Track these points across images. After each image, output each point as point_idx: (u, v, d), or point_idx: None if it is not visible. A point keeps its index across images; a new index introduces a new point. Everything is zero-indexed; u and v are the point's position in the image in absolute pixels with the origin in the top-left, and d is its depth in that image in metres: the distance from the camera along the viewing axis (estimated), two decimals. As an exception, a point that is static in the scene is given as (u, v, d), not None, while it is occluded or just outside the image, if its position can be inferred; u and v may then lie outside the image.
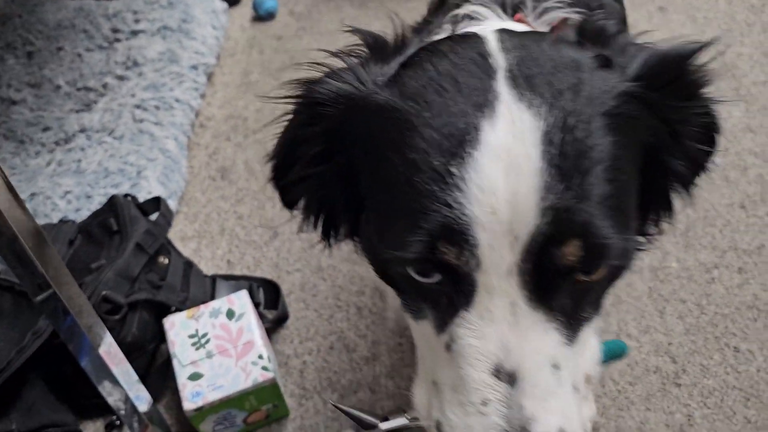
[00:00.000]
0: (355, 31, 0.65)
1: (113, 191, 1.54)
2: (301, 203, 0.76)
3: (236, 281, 1.44)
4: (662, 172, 0.62)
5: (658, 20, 2.19)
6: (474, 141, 0.50)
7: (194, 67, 2.00)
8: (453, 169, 0.50)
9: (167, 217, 1.34)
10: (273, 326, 1.46)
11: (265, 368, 1.22)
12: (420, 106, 0.54)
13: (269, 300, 1.45)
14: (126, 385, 1.20)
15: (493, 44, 0.57)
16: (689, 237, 1.54)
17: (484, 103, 0.51)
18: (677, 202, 0.69)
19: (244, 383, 1.21)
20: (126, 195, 1.37)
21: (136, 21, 2.15)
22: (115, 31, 2.16)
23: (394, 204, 0.56)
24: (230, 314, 1.30)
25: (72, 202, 1.57)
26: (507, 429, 0.51)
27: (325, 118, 0.63)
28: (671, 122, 0.59)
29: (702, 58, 0.60)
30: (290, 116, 0.67)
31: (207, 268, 1.60)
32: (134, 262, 1.25)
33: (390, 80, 0.60)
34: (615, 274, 0.59)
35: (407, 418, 0.67)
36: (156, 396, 1.36)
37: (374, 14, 2.33)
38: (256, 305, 1.39)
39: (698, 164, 0.65)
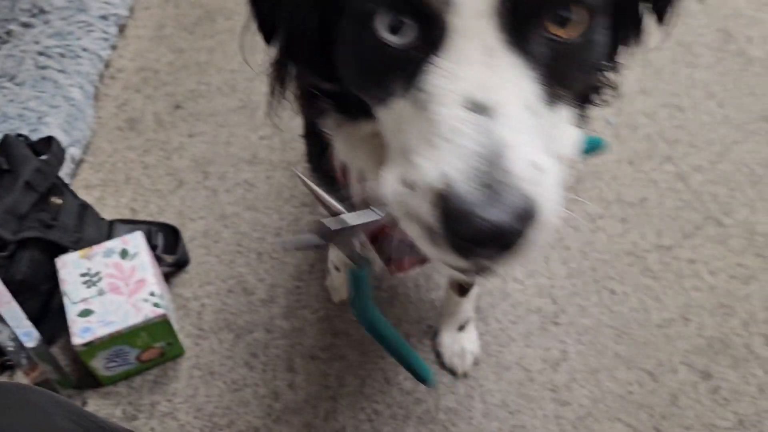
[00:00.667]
0: None
1: (12, 136, 1.52)
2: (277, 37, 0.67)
3: (135, 225, 1.45)
4: None
5: None
6: None
7: (104, 18, 1.96)
8: None
9: (58, 157, 1.33)
10: (173, 270, 1.47)
11: (156, 305, 1.24)
12: None
13: (169, 245, 1.47)
14: (13, 323, 1.21)
15: None
16: (578, 190, 1.62)
17: None
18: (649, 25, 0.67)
19: (134, 318, 1.23)
20: (18, 135, 1.35)
21: (45, -31, 2.09)
22: (22, -22, 2.09)
23: None
24: (124, 254, 1.31)
25: (-33, 146, 1.54)
26: (481, 152, 0.48)
27: None
28: None
29: None
30: None
31: (110, 215, 1.59)
32: (23, 200, 1.25)
33: None
34: (589, 44, 0.57)
35: (375, 211, 0.61)
36: (52, 338, 1.37)
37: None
38: (154, 248, 1.41)
39: None
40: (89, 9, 1.95)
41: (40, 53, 1.79)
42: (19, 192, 1.25)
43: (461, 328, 1.32)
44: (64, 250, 1.33)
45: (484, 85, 0.51)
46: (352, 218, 0.61)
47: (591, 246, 1.53)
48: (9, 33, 1.88)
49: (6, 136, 1.32)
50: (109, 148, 1.76)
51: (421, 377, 0.79)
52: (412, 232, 0.54)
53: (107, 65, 1.97)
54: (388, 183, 0.56)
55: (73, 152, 1.65)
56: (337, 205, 0.62)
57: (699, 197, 1.61)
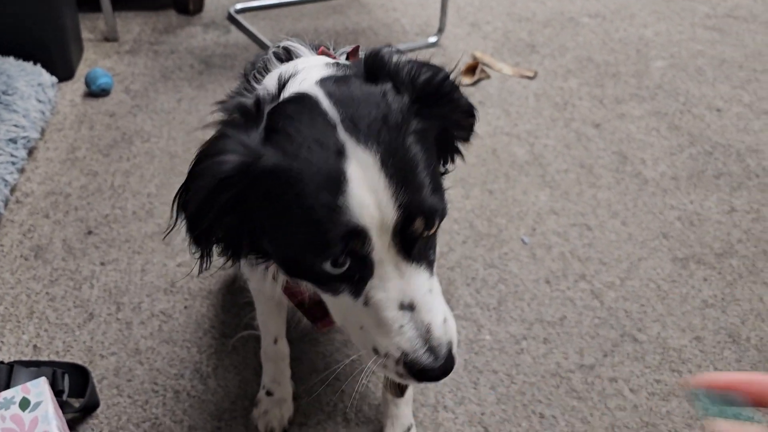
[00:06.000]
0: (222, 102, 0.87)
1: None
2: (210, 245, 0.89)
3: (38, 368, 1.33)
4: (451, 137, 0.95)
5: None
6: (343, 179, 0.75)
7: (12, 141, 1.89)
8: (339, 200, 0.75)
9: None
10: (81, 415, 1.35)
11: (60, 462, 1.13)
12: (300, 163, 0.76)
13: (77, 387, 1.35)
14: None
15: (324, 102, 0.80)
16: (501, 311, 1.65)
17: (338, 151, 0.76)
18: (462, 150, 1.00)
19: (33, 481, 1.10)
20: None
21: (-51, 90, 2.02)
22: (-77, 99, 2.01)
23: (301, 234, 0.78)
24: (24, 404, 1.19)
25: None
26: (419, 333, 0.81)
27: (230, 187, 0.79)
28: (447, 113, 0.90)
29: (450, 76, 0.90)
30: (197, 184, 0.79)
31: (8, 354, 1.47)
32: None
33: (266, 142, 0.78)
34: (441, 222, 0.86)
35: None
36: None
37: (212, 95, 2.36)
38: (60, 393, 1.29)
39: (469, 127, 0.97)
40: (-4, 132, 1.88)
41: (-61, 180, 1.69)
42: None
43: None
44: (-47, 401, 1.20)
45: (404, 292, 0.82)
46: None
47: (517, 368, 1.54)
48: None
49: None
50: (11, 280, 1.65)
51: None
52: (389, 374, 0.85)
53: (12, 190, 1.88)
54: (367, 355, 0.86)
55: (-31, 286, 1.53)
56: None
57: (614, 314, 1.67)
